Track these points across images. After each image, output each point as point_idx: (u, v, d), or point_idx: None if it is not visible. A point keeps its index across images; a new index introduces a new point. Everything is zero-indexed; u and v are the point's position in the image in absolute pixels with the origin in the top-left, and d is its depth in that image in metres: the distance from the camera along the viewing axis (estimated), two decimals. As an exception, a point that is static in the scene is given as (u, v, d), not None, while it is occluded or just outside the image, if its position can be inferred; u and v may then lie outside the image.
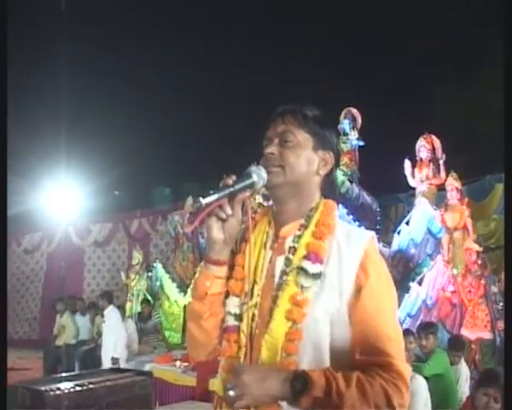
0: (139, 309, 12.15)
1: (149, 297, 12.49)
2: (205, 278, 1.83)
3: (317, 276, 1.74)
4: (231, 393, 1.60)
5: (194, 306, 1.87)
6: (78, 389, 4.89)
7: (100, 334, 11.68)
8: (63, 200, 15.88)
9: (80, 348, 11.60)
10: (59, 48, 18.57)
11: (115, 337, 9.45)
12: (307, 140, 1.85)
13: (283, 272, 1.79)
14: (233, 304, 1.85)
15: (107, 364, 9.14)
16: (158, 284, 12.82)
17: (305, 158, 1.84)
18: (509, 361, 2.36)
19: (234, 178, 1.74)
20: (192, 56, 21.10)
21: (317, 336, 1.71)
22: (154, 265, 13.18)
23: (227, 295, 1.87)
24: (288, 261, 1.80)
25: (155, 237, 16.03)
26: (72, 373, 7.48)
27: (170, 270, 12.94)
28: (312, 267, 1.75)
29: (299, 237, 1.82)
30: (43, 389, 4.80)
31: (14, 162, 15.38)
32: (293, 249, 1.81)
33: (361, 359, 1.69)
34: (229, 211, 1.74)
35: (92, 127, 19.22)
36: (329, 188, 1.92)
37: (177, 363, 9.13)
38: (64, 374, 6.56)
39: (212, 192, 1.70)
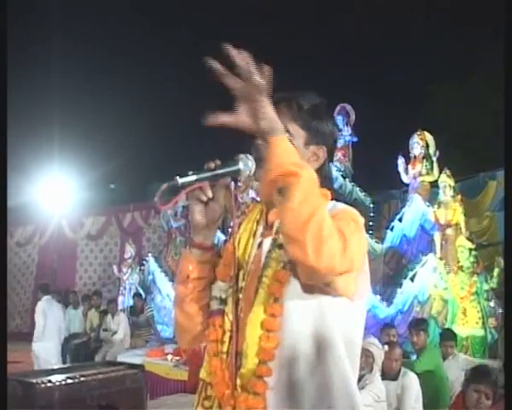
0: (131, 303, 12.14)
1: (141, 291, 12.49)
2: (187, 261, 1.84)
3: None
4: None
5: (177, 289, 1.88)
6: (69, 381, 4.88)
7: (92, 328, 11.69)
8: (56, 193, 15.83)
9: (72, 341, 11.57)
10: (53, 43, 18.53)
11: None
12: (299, 134, 1.82)
13: (269, 252, 1.77)
14: (218, 289, 1.84)
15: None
16: (150, 277, 12.83)
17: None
18: (508, 361, 2.36)
19: (218, 162, 1.71)
20: (191, 51, 21.04)
21: (297, 315, 1.67)
22: (147, 259, 13.19)
23: (215, 279, 1.86)
24: (274, 242, 1.77)
25: (148, 231, 16.00)
26: (64, 366, 7.47)
27: (162, 264, 12.94)
28: None
29: None
30: (34, 381, 4.79)
31: (7, 155, 15.35)
32: (279, 230, 1.76)
33: None
34: (209, 194, 1.73)
35: (86, 120, 19.20)
36: (322, 181, 1.85)
37: (169, 357, 9.15)
38: (55, 367, 6.56)
39: (190, 173, 1.67)
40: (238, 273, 1.81)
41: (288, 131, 1.77)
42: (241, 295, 1.79)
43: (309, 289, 1.66)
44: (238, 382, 1.71)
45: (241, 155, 1.73)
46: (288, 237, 1.55)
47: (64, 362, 10.75)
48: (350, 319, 1.75)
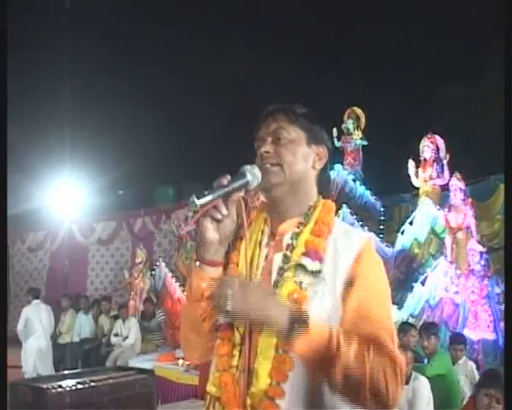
0: (142, 308, 12.15)
1: (152, 296, 12.50)
2: (200, 279, 1.80)
3: (316, 273, 1.71)
4: (229, 305, 1.59)
5: (189, 308, 1.85)
6: (79, 386, 4.90)
7: (103, 333, 11.72)
8: (67, 198, 15.89)
9: (83, 346, 11.61)
10: (63, 45, 18.59)
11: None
12: (300, 136, 1.84)
13: (281, 269, 1.76)
14: None
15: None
16: (161, 282, 12.83)
17: (301, 154, 1.83)
18: (509, 361, 2.35)
19: (228, 177, 1.73)
20: (195, 57, 21.11)
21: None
22: (158, 263, 13.19)
23: None
24: (286, 258, 1.77)
25: (159, 236, 16.02)
26: (74, 371, 7.48)
27: (173, 268, 12.95)
28: (311, 265, 1.72)
29: (298, 234, 1.79)
30: (44, 386, 4.81)
31: (19, 161, 15.45)
32: (292, 247, 1.78)
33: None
34: (224, 211, 1.73)
35: (96, 126, 19.24)
36: (325, 183, 1.92)
37: (180, 362, 9.12)
38: (66, 372, 6.58)
39: (206, 193, 1.69)
40: None
41: (289, 134, 1.82)
42: None
43: None
44: (248, 401, 1.69)
45: (247, 167, 1.77)
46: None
47: (75, 367, 10.80)
48: None
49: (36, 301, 10.80)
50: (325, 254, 1.75)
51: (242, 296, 1.58)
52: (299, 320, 1.58)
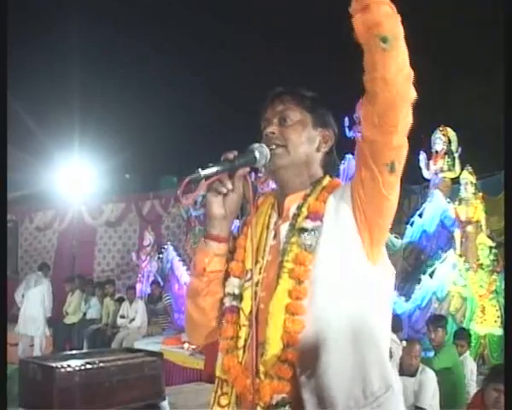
0: (149, 291, 12.20)
1: (159, 279, 12.54)
2: (204, 254, 1.83)
3: (314, 230, 1.72)
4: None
5: (192, 282, 1.88)
6: (88, 367, 4.93)
7: (108, 315, 11.80)
8: (76, 179, 15.91)
9: (89, 326, 11.68)
10: (74, 28, 18.59)
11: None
12: (306, 118, 1.85)
13: (287, 237, 1.78)
14: (232, 285, 1.83)
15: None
16: (168, 266, 12.87)
17: (306, 136, 1.84)
18: (510, 359, 2.35)
19: (235, 152, 1.73)
20: (204, 47, 21.06)
21: (323, 297, 1.67)
22: (166, 247, 13.22)
23: (227, 276, 1.86)
24: (291, 227, 1.78)
25: (167, 219, 16.04)
26: (84, 351, 7.54)
27: (181, 252, 12.97)
28: (311, 224, 1.74)
29: (303, 204, 1.80)
30: (53, 365, 4.84)
31: (29, 141, 15.47)
32: (297, 215, 1.79)
33: None
34: (229, 185, 1.74)
35: (107, 107, 19.21)
36: (331, 166, 1.92)
37: (186, 345, 9.19)
38: (75, 352, 6.62)
39: (211, 165, 1.68)
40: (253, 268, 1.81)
41: (296, 116, 1.84)
42: (258, 288, 1.78)
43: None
44: (261, 369, 1.69)
45: (256, 145, 1.77)
46: (383, 81, 1.54)
47: (81, 348, 10.88)
48: (380, 300, 1.76)
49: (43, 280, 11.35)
50: (325, 211, 1.76)
51: None
52: None
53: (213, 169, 1.68)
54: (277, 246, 1.80)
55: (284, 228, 1.80)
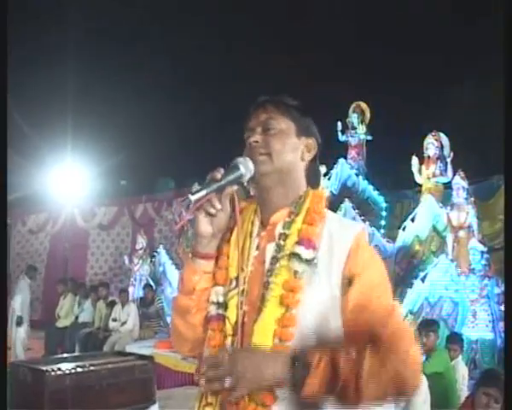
0: (142, 294, 12.18)
1: (152, 282, 12.53)
2: (192, 272, 1.82)
3: (310, 261, 1.71)
4: (227, 382, 1.56)
5: (181, 300, 1.86)
6: (79, 370, 4.92)
7: (101, 318, 11.78)
8: (69, 182, 15.89)
9: (81, 330, 11.65)
10: (68, 33, 18.57)
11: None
12: (290, 127, 1.85)
13: (275, 258, 1.76)
14: (216, 293, 1.82)
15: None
16: (161, 269, 12.86)
17: (290, 144, 1.83)
18: (509, 361, 2.36)
19: (222, 171, 1.73)
20: (202, 50, 21.05)
21: (310, 324, 1.66)
22: (158, 250, 13.21)
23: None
24: (279, 248, 1.77)
25: (160, 223, 16.03)
26: (74, 354, 7.52)
27: (173, 256, 12.96)
28: (305, 253, 1.72)
29: (290, 223, 1.79)
30: (44, 368, 4.83)
31: (21, 143, 15.42)
32: (285, 236, 1.78)
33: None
34: (218, 206, 1.74)
35: (99, 110, 19.19)
36: (314, 175, 1.93)
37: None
38: (65, 355, 6.61)
39: (200, 188, 1.70)
40: (238, 276, 1.80)
41: (279, 125, 1.83)
42: (242, 298, 1.77)
43: None
44: None
45: (240, 159, 1.78)
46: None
47: (73, 351, 10.84)
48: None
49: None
50: (319, 242, 1.75)
51: (237, 368, 1.57)
52: (299, 360, 1.57)
53: (203, 192, 1.69)
54: (260, 258, 1.80)
55: (270, 247, 1.79)
